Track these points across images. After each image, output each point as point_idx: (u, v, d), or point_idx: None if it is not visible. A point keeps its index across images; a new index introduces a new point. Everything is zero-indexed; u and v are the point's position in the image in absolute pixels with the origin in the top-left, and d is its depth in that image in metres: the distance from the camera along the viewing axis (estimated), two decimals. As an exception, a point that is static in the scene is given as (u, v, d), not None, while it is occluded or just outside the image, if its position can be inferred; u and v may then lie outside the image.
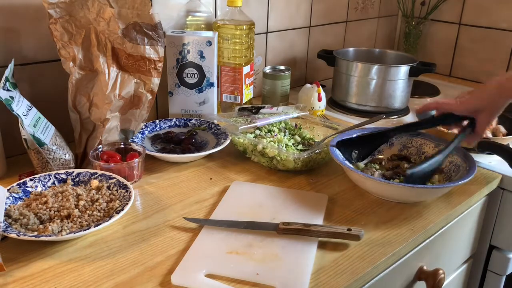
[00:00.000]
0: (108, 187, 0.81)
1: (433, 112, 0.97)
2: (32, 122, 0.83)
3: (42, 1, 0.87)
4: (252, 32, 1.16)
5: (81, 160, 0.94)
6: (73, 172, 0.84)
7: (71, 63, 0.91)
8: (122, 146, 0.93)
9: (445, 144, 0.91)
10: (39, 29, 0.95)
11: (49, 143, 0.85)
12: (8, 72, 0.83)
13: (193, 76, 1.10)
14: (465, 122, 0.92)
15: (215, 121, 1.09)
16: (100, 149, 0.90)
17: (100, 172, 0.84)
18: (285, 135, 1.05)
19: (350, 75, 1.30)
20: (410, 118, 1.31)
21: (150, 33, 0.92)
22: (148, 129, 1.06)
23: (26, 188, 0.80)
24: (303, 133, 1.08)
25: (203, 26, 1.16)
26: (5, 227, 0.70)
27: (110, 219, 0.72)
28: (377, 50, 1.47)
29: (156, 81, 0.95)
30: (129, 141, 0.97)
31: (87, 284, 0.64)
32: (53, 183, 0.82)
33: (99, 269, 0.67)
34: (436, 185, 0.89)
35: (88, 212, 0.75)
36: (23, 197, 0.79)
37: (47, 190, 0.80)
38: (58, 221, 0.72)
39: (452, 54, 1.74)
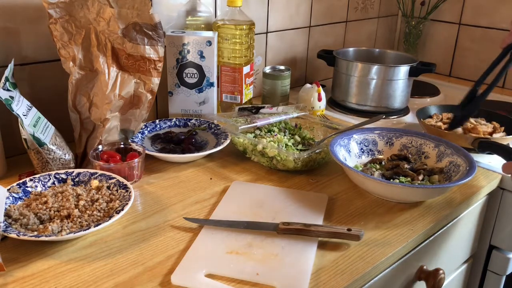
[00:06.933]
0: (108, 187, 0.81)
1: None
2: (32, 122, 0.83)
3: (42, 1, 0.87)
4: (252, 32, 1.16)
5: (81, 160, 0.94)
6: (73, 172, 0.84)
7: (71, 63, 0.91)
8: (122, 146, 0.93)
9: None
10: (39, 29, 0.95)
11: (49, 143, 0.85)
12: (8, 72, 0.83)
13: (193, 76, 1.10)
14: None
15: (215, 121, 1.09)
16: (100, 149, 0.90)
17: (100, 172, 0.84)
18: (285, 135, 1.05)
19: (350, 75, 1.30)
20: (410, 118, 1.31)
21: (150, 33, 0.92)
22: (148, 129, 1.06)
23: (26, 188, 0.80)
24: (303, 133, 1.08)
25: (203, 26, 1.16)
26: (5, 227, 0.70)
27: (110, 219, 0.72)
28: (377, 50, 1.47)
29: (156, 81, 0.95)
30: (129, 141, 0.96)
31: (87, 284, 0.64)
32: (53, 183, 0.82)
33: (99, 269, 0.67)
34: (436, 185, 0.89)
35: (88, 212, 0.75)
36: (23, 197, 0.79)
37: (47, 190, 0.80)
38: (58, 221, 0.72)
39: (452, 54, 1.74)
